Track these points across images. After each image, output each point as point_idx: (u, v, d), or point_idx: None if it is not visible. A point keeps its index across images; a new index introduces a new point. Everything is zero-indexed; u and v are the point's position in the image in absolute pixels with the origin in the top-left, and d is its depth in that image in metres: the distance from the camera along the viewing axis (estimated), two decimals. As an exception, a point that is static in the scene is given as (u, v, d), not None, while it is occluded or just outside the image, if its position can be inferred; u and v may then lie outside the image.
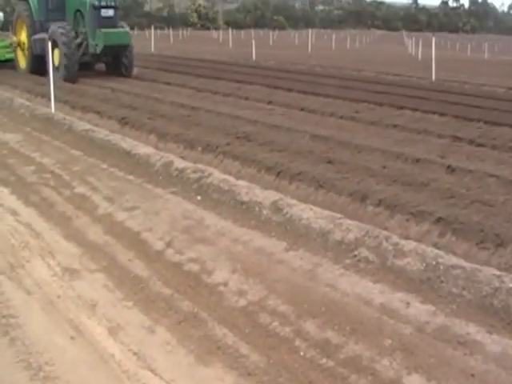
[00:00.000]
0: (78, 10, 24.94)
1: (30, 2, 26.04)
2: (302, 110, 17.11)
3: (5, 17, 32.04)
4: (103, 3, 24.27)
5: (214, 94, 20.45)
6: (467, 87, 24.68)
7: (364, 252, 6.78)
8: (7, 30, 34.93)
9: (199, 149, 11.90)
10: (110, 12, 24.56)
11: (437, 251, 6.55)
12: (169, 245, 7.46)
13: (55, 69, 23.32)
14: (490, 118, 15.75)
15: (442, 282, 6.03)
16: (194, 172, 9.83)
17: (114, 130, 14.21)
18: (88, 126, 14.00)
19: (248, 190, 8.78)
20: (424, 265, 6.27)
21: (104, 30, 23.93)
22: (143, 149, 11.62)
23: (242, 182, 9.22)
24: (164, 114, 15.55)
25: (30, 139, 13.62)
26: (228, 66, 31.26)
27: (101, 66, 26.96)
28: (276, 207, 8.11)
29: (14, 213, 8.94)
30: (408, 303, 5.79)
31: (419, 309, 5.70)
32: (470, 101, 19.08)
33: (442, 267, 6.15)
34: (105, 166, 11.11)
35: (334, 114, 16.25)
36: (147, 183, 9.98)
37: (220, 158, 11.32)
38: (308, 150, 11.29)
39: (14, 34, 27.83)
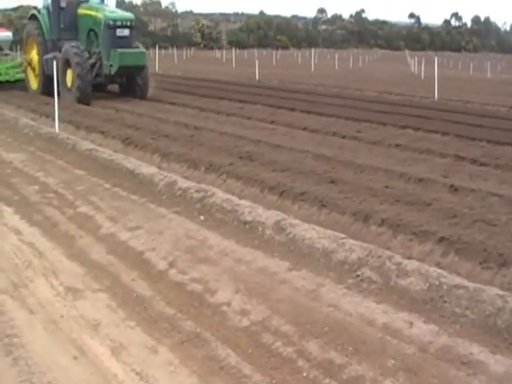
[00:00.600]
0: (92, 30, 24.45)
1: (41, 21, 25.61)
2: (304, 129, 17.14)
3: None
4: (118, 23, 23.69)
5: (217, 114, 20.49)
6: (470, 106, 24.71)
7: (367, 272, 6.78)
8: (11, 49, 34.63)
9: (202, 168, 11.92)
10: (126, 32, 23.91)
11: (440, 271, 6.55)
12: (172, 265, 7.46)
13: (68, 90, 23.23)
14: (493, 137, 15.76)
15: (445, 301, 6.03)
16: (197, 192, 9.85)
17: (118, 149, 14.25)
18: (92, 146, 14.04)
19: (251, 209, 8.79)
20: (427, 285, 6.27)
21: (119, 51, 23.28)
22: (146, 168, 11.64)
23: (244, 202, 9.23)
24: (167, 134, 15.59)
25: (34, 159, 13.65)
26: (231, 86, 31.32)
27: (113, 88, 26.53)
28: (279, 227, 8.12)
29: (18, 232, 8.96)
30: (411, 323, 5.78)
31: (422, 329, 5.69)
32: (472, 120, 19.10)
33: (445, 287, 6.15)
34: (108, 185, 11.13)
35: (337, 134, 16.28)
36: (150, 203, 9.99)
37: (223, 178, 11.33)
38: (311, 170, 11.31)
39: (25, 53, 27.35)
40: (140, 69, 24.51)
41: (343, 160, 12.53)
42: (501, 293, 5.96)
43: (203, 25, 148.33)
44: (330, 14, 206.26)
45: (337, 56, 69.68)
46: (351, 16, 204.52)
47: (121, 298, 6.72)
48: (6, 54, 29.39)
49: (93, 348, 5.68)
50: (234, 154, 12.83)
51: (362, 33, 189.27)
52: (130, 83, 25.24)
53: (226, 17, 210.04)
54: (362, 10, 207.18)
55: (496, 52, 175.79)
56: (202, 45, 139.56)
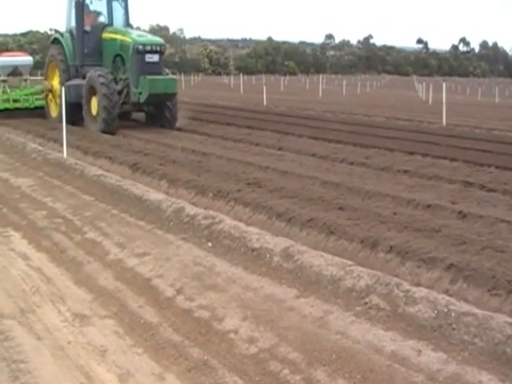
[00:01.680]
0: (119, 55, 23.19)
1: (65, 45, 24.44)
2: (312, 155, 17.14)
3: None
4: (148, 47, 22.42)
5: (225, 140, 20.50)
6: (478, 132, 24.72)
7: (375, 299, 6.76)
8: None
9: (210, 195, 11.91)
10: (155, 57, 22.59)
11: (448, 298, 6.52)
12: (179, 291, 7.45)
13: (92, 119, 22.41)
14: (501, 162, 15.75)
15: (453, 329, 6.00)
16: (205, 218, 9.84)
17: (126, 175, 14.27)
18: (100, 172, 14.07)
19: (259, 236, 8.78)
20: (435, 312, 6.24)
21: (149, 77, 21.98)
22: (154, 195, 11.65)
23: (252, 229, 9.22)
24: (175, 160, 15.60)
25: (42, 184, 13.71)
26: (239, 112, 31.38)
27: (137, 116, 25.72)
28: (287, 254, 8.10)
29: (26, 257, 8.99)
30: (419, 351, 5.75)
31: (431, 356, 5.66)
32: (480, 145, 19.11)
33: (453, 314, 6.12)
34: (116, 211, 11.15)
35: (345, 160, 16.27)
36: (158, 229, 10.00)
37: (231, 205, 11.32)
38: (319, 197, 11.29)
39: (46, 79, 26.31)
40: (171, 97, 23.25)
41: (351, 186, 12.52)
42: (510, 320, 5.92)
43: (211, 50, 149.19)
44: (337, 40, 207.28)
45: (344, 82, 70.09)
46: (359, 42, 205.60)
47: (128, 325, 6.71)
48: (25, 80, 28.61)
49: (100, 374, 5.66)
50: (242, 181, 12.82)
51: (370, 58, 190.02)
52: (158, 112, 23.94)
53: (233, 43, 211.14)
54: (370, 36, 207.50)
55: (504, 77, 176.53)
56: (209, 70, 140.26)
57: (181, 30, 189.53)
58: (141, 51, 22.22)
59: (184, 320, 6.75)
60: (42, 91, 26.50)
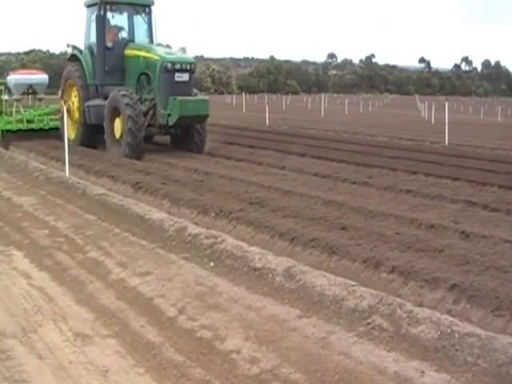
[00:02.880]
0: (144, 73, 21.62)
1: (84, 63, 22.72)
2: (315, 175, 17.12)
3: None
4: (177, 66, 20.80)
5: (228, 159, 20.47)
6: (481, 151, 24.75)
7: (378, 320, 6.73)
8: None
9: (212, 214, 11.90)
10: (185, 76, 21.06)
11: (451, 319, 6.48)
12: (181, 311, 7.43)
13: (115, 142, 20.98)
14: (504, 182, 15.72)
15: (456, 350, 5.96)
16: (207, 238, 9.82)
17: (128, 194, 14.26)
18: (102, 191, 14.05)
19: (261, 256, 8.75)
20: (438, 333, 6.21)
21: (180, 98, 20.43)
22: (156, 214, 11.64)
23: (254, 249, 9.19)
24: (177, 179, 15.59)
25: (44, 202, 13.69)
26: (241, 131, 31.37)
27: (160, 139, 24.54)
28: (289, 274, 8.08)
29: (27, 276, 8.97)
30: (422, 372, 5.72)
31: (434, 377, 5.63)
32: (483, 165, 19.09)
33: (456, 335, 6.09)
34: (118, 230, 11.13)
35: (347, 180, 16.26)
36: (160, 248, 9.97)
37: (233, 224, 11.31)
38: (321, 216, 11.27)
39: (62, 98, 24.34)
40: (202, 119, 21.73)
41: (354, 206, 12.51)
42: (514, 341, 5.90)
43: (213, 70, 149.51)
44: (340, 59, 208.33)
45: (347, 101, 70.15)
46: (361, 61, 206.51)
47: (130, 345, 6.69)
48: (40, 99, 27.15)
49: (101, 395, 5.65)
50: (245, 200, 12.81)
51: (372, 77, 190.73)
52: (185, 135, 22.34)
53: (236, 62, 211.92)
54: (372, 55, 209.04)
55: (507, 96, 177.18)
56: (212, 90, 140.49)
57: (183, 48, 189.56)
58: (170, 70, 20.70)
59: (186, 340, 6.72)
60: (58, 111, 24.71)
